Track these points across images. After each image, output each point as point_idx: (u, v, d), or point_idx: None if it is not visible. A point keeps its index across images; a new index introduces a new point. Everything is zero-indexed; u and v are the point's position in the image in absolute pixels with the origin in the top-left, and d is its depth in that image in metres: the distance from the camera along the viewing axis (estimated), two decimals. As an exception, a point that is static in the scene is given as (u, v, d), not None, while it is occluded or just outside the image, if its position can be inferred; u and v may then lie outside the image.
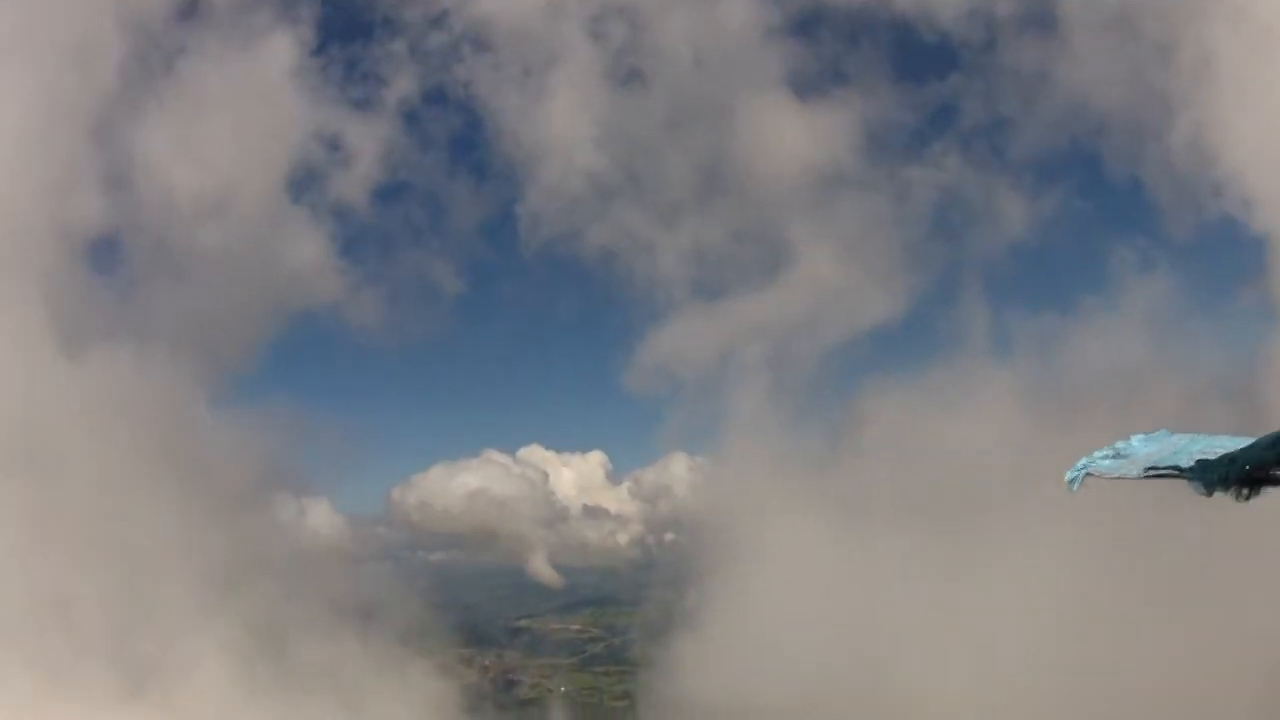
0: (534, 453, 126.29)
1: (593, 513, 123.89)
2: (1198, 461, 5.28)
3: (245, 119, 62.13)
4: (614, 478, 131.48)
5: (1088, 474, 5.66)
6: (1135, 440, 6.02)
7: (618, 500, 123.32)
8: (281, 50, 63.28)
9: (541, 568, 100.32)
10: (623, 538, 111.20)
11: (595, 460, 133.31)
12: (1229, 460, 5.10)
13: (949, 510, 42.20)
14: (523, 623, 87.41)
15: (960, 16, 72.00)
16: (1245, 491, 5.03)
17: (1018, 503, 37.01)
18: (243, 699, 38.35)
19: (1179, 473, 5.31)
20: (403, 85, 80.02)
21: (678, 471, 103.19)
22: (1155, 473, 5.44)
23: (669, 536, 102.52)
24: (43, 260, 43.79)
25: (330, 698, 43.27)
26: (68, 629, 35.52)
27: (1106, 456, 5.82)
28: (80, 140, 50.65)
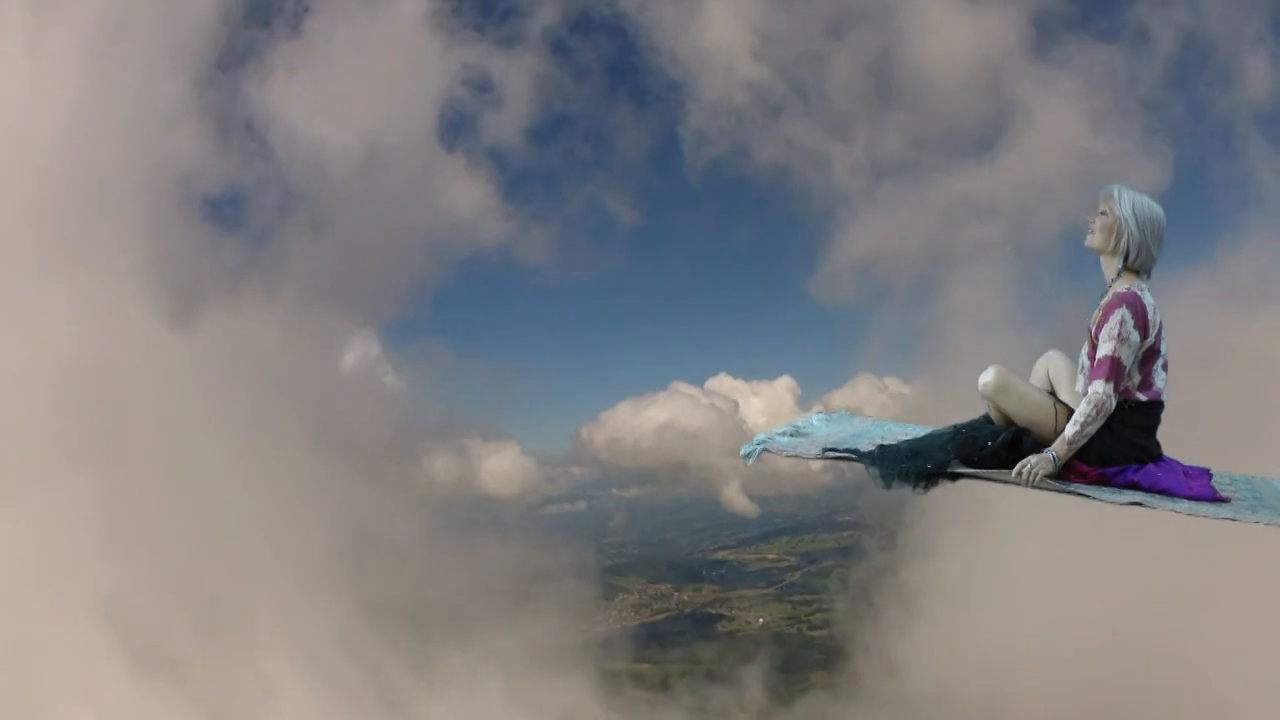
0: (722, 382, 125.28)
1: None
2: (878, 447, 5.28)
3: (382, 71, 61.21)
4: (803, 403, 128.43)
5: (764, 450, 5.55)
6: (815, 419, 6.07)
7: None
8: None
9: (735, 498, 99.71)
10: (815, 464, 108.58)
11: (784, 386, 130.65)
12: (908, 450, 5.16)
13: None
14: (719, 554, 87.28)
15: None
16: (923, 484, 5.08)
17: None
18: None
19: (857, 457, 5.29)
20: (545, 14, 77.02)
21: (865, 391, 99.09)
22: (834, 454, 5.40)
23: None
24: (153, 222, 41.46)
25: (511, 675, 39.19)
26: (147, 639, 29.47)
27: (785, 433, 5.75)
28: (200, 103, 49.55)
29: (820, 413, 6.21)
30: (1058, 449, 4.92)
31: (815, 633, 71.24)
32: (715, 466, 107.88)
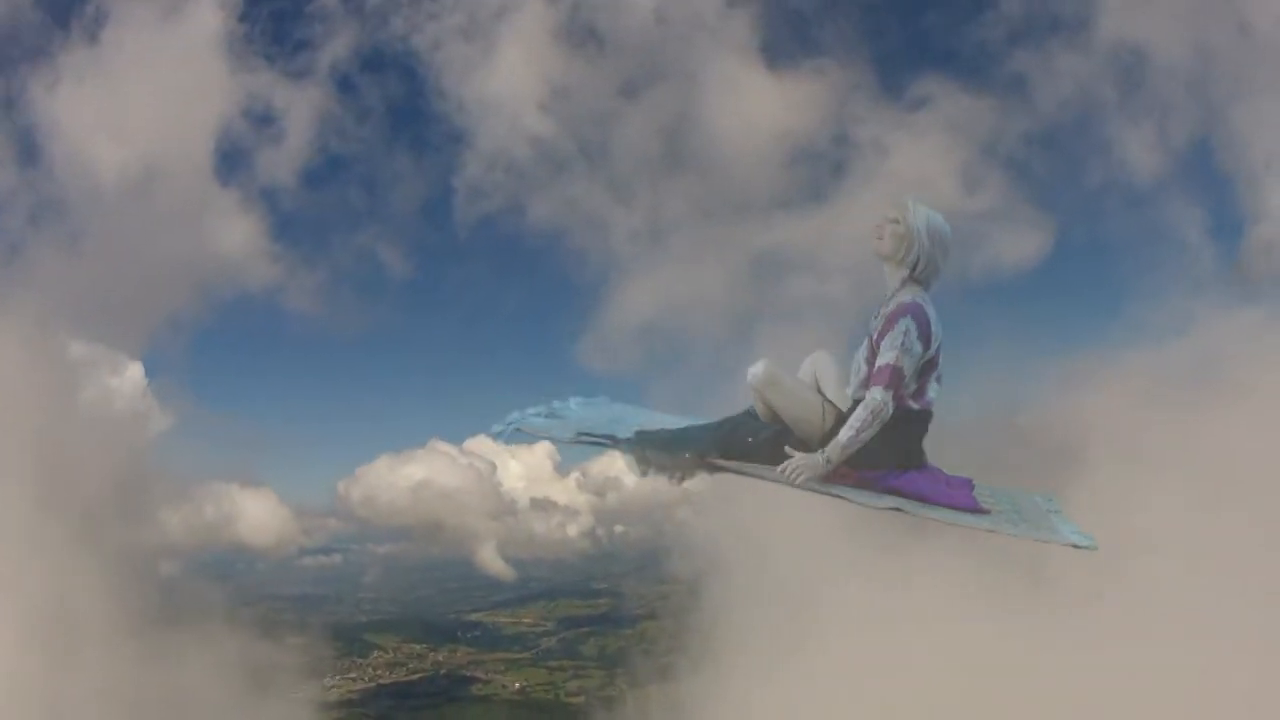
0: (481, 444, 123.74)
1: (541, 505, 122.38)
2: (636, 433, 5.24)
3: (168, 89, 56.39)
4: (562, 469, 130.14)
5: (517, 429, 5.46)
6: (573, 402, 6.00)
7: (566, 492, 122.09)
8: (206, 16, 56.89)
9: (491, 560, 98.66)
10: (572, 530, 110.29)
11: (543, 451, 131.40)
12: (668, 438, 5.10)
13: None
14: (474, 616, 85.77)
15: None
16: (680, 473, 5.08)
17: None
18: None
19: (613, 442, 5.25)
20: (337, 47, 73.33)
21: (625, 463, 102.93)
22: (589, 439, 5.33)
23: (619, 529, 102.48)
24: None
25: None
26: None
27: (540, 414, 5.67)
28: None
29: (578, 397, 6.06)
30: (830, 452, 4.82)
31: (572, 699, 71.93)
32: (471, 527, 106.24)
